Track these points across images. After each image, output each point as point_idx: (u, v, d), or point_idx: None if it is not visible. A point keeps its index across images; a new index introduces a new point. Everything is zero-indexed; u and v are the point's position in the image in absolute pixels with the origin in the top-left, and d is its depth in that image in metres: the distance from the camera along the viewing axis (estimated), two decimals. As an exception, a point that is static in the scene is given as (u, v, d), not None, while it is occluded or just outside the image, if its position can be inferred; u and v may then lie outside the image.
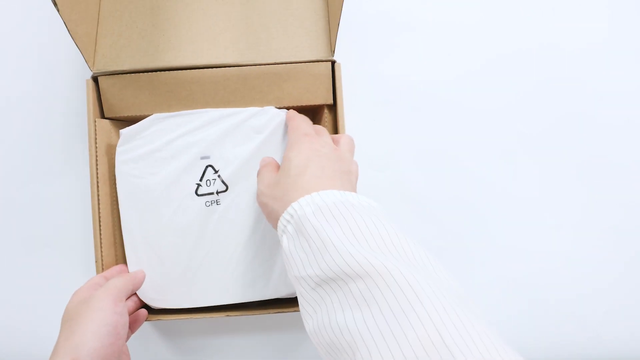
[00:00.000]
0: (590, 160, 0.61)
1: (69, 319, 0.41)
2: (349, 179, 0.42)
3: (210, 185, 0.49)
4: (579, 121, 0.61)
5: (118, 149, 0.51)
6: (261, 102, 0.51)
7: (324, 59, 0.50)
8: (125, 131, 0.51)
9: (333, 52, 0.50)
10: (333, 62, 0.51)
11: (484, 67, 0.61)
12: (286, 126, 0.50)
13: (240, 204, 0.50)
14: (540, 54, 0.61)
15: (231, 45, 0.51)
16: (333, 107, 0.52)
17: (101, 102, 0.51)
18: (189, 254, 0.50)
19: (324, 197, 0.36)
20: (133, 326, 0.49)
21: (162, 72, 0.50)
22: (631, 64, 0.62)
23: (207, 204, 0.49)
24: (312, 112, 0.56)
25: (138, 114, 0.51)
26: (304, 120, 0.47)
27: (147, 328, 0.59)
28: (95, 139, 0.50)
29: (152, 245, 0.50)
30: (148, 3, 0.53)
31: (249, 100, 0.51)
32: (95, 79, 0.51)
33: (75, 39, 0.47)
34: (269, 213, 0.41)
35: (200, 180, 0.50)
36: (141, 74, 0.50)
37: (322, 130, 0.46)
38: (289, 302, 0.52)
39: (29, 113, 0.60)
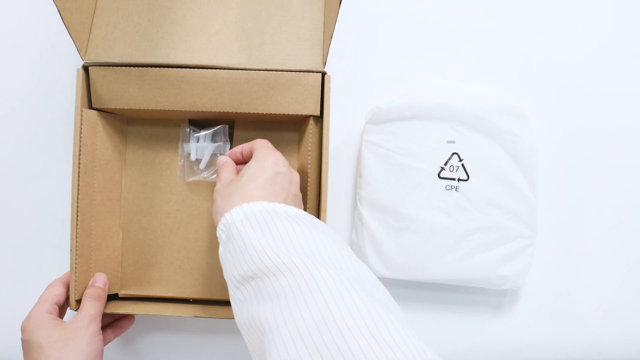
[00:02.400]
0: (590, 161, 0.61)
1: None
2: (292, 192, 0.46)
3: (453, 171, 0.54)
4: (579, 121, 0.61)
5: (366, 126, 0.56)
6: (248, 107, 0.51)
7: (314, 69, 0.50)
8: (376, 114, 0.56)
9: (324, 63, 0.50)
10: (323, 74, 0.50)
11: (484, 68, 0.61)
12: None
13: (476, 194, 0.54)
14: (542, 54, 0.61)
15: (224, 47, 0.51)
16: (319, 119, 0.52)
17: (90, 93, 0.51)
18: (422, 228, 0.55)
19: (252, 207, 0.40)
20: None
21: (153, 67, 0.50)
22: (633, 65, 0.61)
23: (447, 187, 0.54)
24: (298, 122, 0.56)
25: (125, 107, 0.51)
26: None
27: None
28: (81, 128, 0.50)
29: (386, 210, 0.55)
30: (146, -3, 0.53)
31: (237, 104, 0.51)
32: (86, 69, 0.51)
33: (69, 28, 0.47)
34: (217, 210, 0.44)
35: (445, 164, 0.54)
36: (132, 67, 0.50)
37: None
38: None
39: (29, 113, 0.60)
